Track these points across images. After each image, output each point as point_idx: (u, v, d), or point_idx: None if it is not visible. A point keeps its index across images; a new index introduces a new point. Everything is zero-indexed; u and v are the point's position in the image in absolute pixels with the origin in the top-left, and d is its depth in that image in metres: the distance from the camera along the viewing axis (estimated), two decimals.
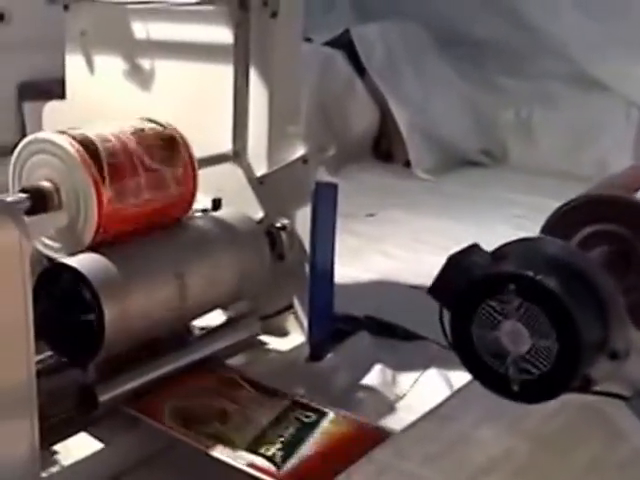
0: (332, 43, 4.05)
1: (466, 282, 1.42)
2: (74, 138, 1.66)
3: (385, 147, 4.18)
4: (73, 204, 1.66)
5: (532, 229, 3.26)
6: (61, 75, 2.80)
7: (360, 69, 4.15)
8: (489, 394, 1.53)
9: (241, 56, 1.98)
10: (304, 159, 1.98)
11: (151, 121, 1.81)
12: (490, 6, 4.40)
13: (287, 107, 2.06)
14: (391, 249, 2.93)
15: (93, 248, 1.67)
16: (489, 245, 3.06)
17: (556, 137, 4.20)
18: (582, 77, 4.25)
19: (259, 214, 2.04)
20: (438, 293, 1.51)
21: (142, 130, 1.76)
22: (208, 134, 1.96)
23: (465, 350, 1.42)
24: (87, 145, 1.66)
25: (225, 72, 2.00)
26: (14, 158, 1.71)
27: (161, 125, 1.81)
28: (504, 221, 3.32)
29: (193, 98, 2.06)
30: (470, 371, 1.43)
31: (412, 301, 2.38)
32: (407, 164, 4.09)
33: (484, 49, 4.44)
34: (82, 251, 1.67)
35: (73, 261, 1.62)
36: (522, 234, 3.17)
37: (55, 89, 3.29)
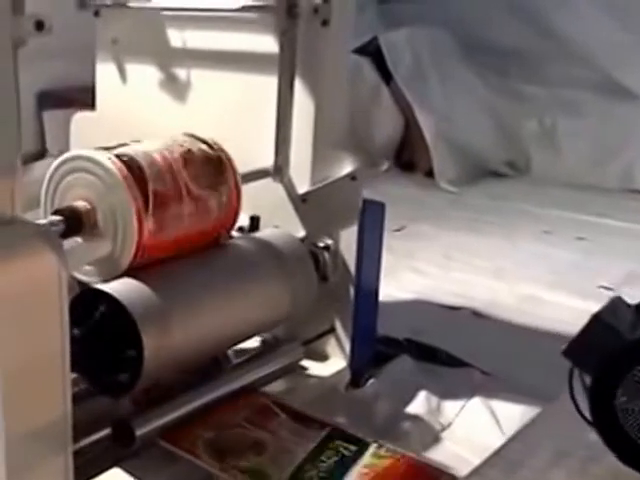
0: (359, 50, 3.91)
1: (615, 345, 1.24)
2: (118, 157, 1.52)
3: (407, 156, 4.04)
4: (110, 227, 1.53)
5: (562, 246, 3.18)
6: (82, 83, 2.69)
7: (386, 77, 4.00)
8: (553, 436, 1.40)
9: (286, 66, 1.85)
10: (352, 176, 1.85)
11: (197, 138, 1.69)
12: (515, 13, 4.27)
13: (333, 120, 1.94)
14: (422, 266, 2.84)
15: (130, 272, 1.55)
16: (520, 263, 3.01)
17: (581, 147, 4.09)
18: (608, 84, 4.13)
19: (300, 233, 1.92)
20: (577, 355, 1.32)
21: (189, 152, 1.62)
22: (248, 148, 1.83)
23: (607, 422, 1.26)
24: (131, 166, 1.53)
25: (268, 83, 1.88)
26: (48, 175, 1.58)
27: (208, 145, 1.69)
28: (533, 237, 3.24)
29: (233, 110, 1.95)
30: (610, 446, 1.28)
31: (450, 323, 2.40)
32: (429, 174, 3.94)
33: (508, 56, 4.32)
34: (118, 276, 1.54)
35: (110, 288, 1.49)
36: (552, 251, 3.09)
37: (76, 97, 3.18)
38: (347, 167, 1.88)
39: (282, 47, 1.84)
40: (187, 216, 1.61)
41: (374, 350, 2.00)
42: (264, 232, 1.83)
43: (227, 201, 1.68)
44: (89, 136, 2.05)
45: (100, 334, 1.48)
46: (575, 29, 4.17)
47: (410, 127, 4.00)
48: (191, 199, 1.60)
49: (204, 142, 1.67)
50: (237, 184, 1.70)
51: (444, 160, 3.91)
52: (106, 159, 1.51)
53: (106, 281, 1.51)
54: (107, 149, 1.55)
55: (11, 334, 1.19)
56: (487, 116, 4.18)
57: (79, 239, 1.54)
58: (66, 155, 1.56)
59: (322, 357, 1.96)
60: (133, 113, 2.05)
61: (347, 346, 1.93)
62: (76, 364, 1.34)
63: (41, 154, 3.35)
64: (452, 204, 3.68)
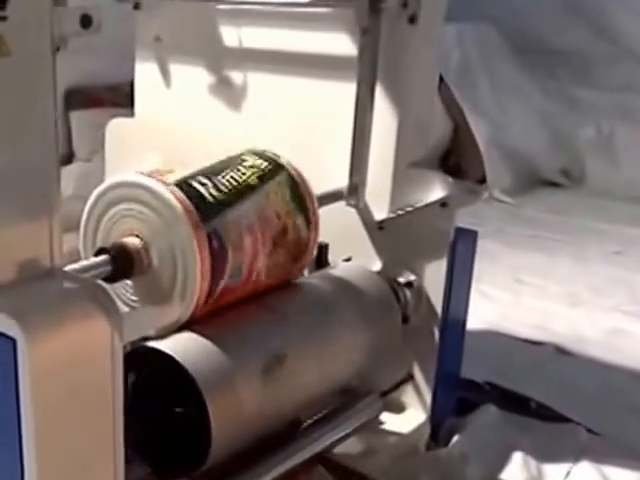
0: None
1: None
2: (178, 186, 1.24)
3: (455, 161, 3.73)
4: (167, 270, 1.26)
5: (635, 269, 2.88)
6: (113, 81, 2.35)
7: None
8: None
9: (367, 71, 1.57)
10: (443, 202, 1.57)
11: (269, 160, 1.43)
12: (570, 10, 3.96)
13: (419, 135, 1.66)
14: (490, 290, 2.58)
15: (190, 325, 1.28)
16: (596, 289, 2.73)
17: None
18: None
19: (375, 266, 1.66)
20: None
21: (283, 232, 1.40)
22: (317, 167, 1.53)
23: None
24: (193, 197, 1.26)
25: (344, 90, 1.60)
26: (89, 205, 1.30)
27: (287, 173, 1.43)
28: (603, 258, 3.00)
29: (299, 121, 1.67)
30: None
31: (532, 361, 2.16)
32: (481, 181, 3.63)
33: (561, 57, 4.07)
34: (177, 329, 1.27)
35: (168, 346, 1.22)
36: (628, 275, 2.79)
37: (106, 97, 2.89)
38: (435, 191, 1.60)
39: (362, 48, 1.55)
40: (261, 266, 1.37)
41: (456, 398, 1.78)
42: (339, 267, 1.59)
43: (305, 242, 1.45)
44: (127, 145, 1.83)
45: (156, 404, 1.23)
46: (636, 29, 3.84)
47: (459, 131, 3.68)
48: (264, 249, 1.37)
49: (279, 165, 1.43)
50: (316, 219, 1.46)
51: (497, 168, 3.64)
52: (164, 189, 1.23)
53: (162, 335, 1.24)
54: (162, 174, 1.28)
55: (52, 416, 0.95)
56: (540, 121, 3.91)
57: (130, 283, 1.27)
58: (112, 181, 1.29)
59: (398, 408, 1.72)
60: (178, 121, 1.80)
61: (428, 396, 1.69)
62: (130, 442, 1.08)
63: (68, 158, 3.05)
64: (510, 217, 3.40)
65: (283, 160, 1.42)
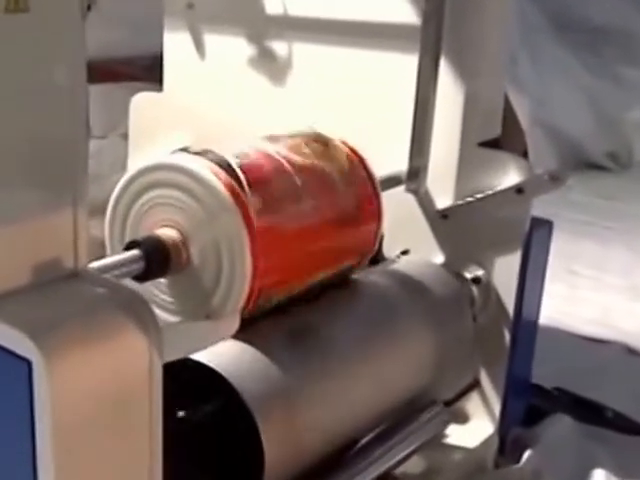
0: None
1: None
2: (222, 168, 1.07)
3: None
4: (210, 267, 1.08)
5: None
6: (130, 54, 2.44)
7: None
8: None
9: (430, 40, 1.38)
10: (519, 188, 1.38)
11: (320, 140, 1.26)
12: None
13: (488, 112, 1.48)
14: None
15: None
16: None
17: None
18: None
19: (436, 259, 1.48)
20: None
21: (329, 176, 1.20)
22: (373, 148, 1.35)
23: None
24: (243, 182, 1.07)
25: (404, 62, 1.42)
26: (117, 191, 1.13)
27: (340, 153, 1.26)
28: None
29: (351, 98, 1.48)
30: None
31: (600, 363, 1.99)
32: None
33: (605, 35, 3.85)
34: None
35: (212, 360, 1.03)
36: None
37: (122, 71, 2.69)
38: (509, 175, 1.42)
39: (426, 15, 1.37)
40: (317, 253, 1.19)
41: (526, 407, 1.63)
42: (400, 261, 1.42)
43: (364, 229, 1.27)
44: (154, 122, 1.66)
45: (197, 426, 1.05)
46: None
47: None
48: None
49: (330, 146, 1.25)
50: (380, 210, 1.28)
51: (540, 147, 3.42)
52: (207, 172, 1.04)
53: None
54: (202, 154, 1.10)
55: (75, 456, 0.77)
56: (585, 101, 3.72)
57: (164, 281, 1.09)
58: (145, 164, 1.10)
59: (462, 418, 1.55)
60: (212, 97, 1.62)
61: (496, 405, 1.53)
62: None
63: None
64: (556, 201, 3.17)
65: (333, 138, 1.27)
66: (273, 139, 1.22)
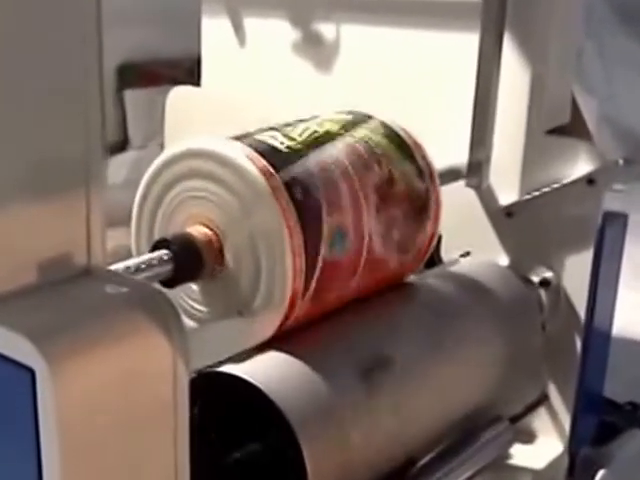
0: None
1: None
2: (262, 154, 0.99)
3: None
4: (247, 270, 1.00)
5: None
6: (172, 55, 2.42)
7: None
8: None
9: (493, 18, 1.30)
10: (590, 179, 1.32)
11: (353, 112, 1.19)
12: None
13: (557, 97, 1.40)
14: None
15: (276, 342, 1.02)
16: None
17: None
18: None
19: (501, 262, 1.40)
20: None
21: (390, 182, 1.12)
22: (429, 139, 1.26)
23: None
24: (285, 171, 0.99)
25: (463, 43, 1.34)
26: (144, 184, 1.05)
27: (379, 121, 1.17)
28: None
29: (405, 83, 1.41)
30: None
31: None
32: None
33: None
34: (259, 348, 1.00)
35: (249, 372, 0.95)
36: None
37: (164, 73, 2.65)
38: (579, 164, 1.36)
39: None
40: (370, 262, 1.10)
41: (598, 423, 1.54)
42: (461, 263, 1.35)
43: (420, 194, 1.18)
44: (190, 118, 1.60)
45: (232, 447, 0.96)
46: None
47: None
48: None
49: (409, 154, 1.16)
50: (438, 208, 1.20)
51: (608, 145, 3.33)
52: (244, 158, 0.97)
53: (239, 357, 0.96)
54: (241, 139, 1.02)
55: (91, 467, 0.70)
56: None
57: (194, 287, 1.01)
58: (173, 151, 1.03)
59: (528, 436, 1.47)
60: (254, 89, 1.56)
61: (565, 421, 1.45)
62: None
63: (122, 145, 2.81)
64: (626, 204, 3.08)
65: (366, 112, 1.18)
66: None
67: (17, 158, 0.67)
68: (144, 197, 1.03)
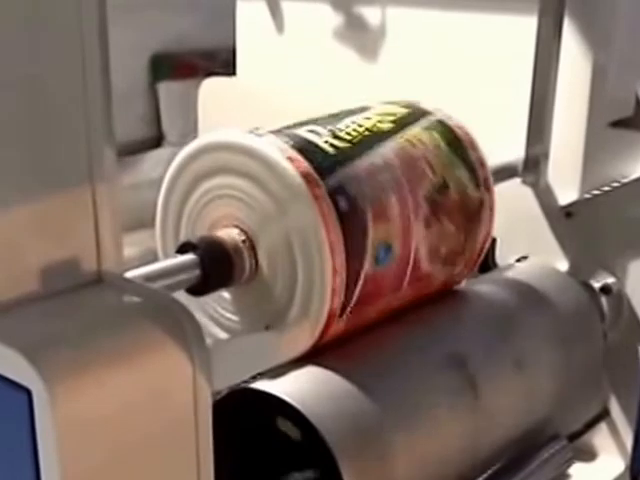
0: None
1: None
2: (300, 151, 0.92)
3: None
4: (281, 275, 0.93)
5: None
6: (209, 45, 2.36)
7: None
8: None
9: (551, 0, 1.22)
10: None
11: (407, 105, 1.11)
12: None
13: (622, 85, 1.33)
14: None
15: (314, 356, 0.95)
16: None
17: None
18: None
19: (559, 266, 1.34)
20: None
21: (444, 191, 1.04)
22: (482, 132, 1.19)
23: None
24: (324, 171, 0.93)
25: (519, 27, 1.28)
26: (168, 180, 0.99)
27: (434, 117, 1.09)
28: None
29: (455, 72, 1.35)
30: None
31: None
32: None
33: None
34: (296, 362, 0.93)
35: (283, 389, 0.88)
36: None
37: (201, 65, 2.60)
38: None
39: None
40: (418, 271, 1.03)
41: None
42: (518, 269, 1.28)
43: (474, 203, 1.11)
44: (224, 110, 1.57)
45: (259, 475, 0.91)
46: None
47: None
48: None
49: (465, 158, 1.08)
50: (492, 207, 1.13)
51: None
52: (281, 157, 0.90)
53: (272, 373, 0.91)
54: (279, 133, 0.96)
55: None
56: None
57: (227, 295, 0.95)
58: (198, 143, 0.96)
59: (587, 454, 1.42)
60: (292, 78, 1.52)
61: (628, 438, 1.38)
62: None
63: (156, 141, 2.75)
64: None
65: (422, 105, 1.10)
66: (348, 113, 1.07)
67: (14, 156, 0.61)
68: (168, 195, 0.97)
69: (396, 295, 1.00)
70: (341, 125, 0.97)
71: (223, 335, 0.99)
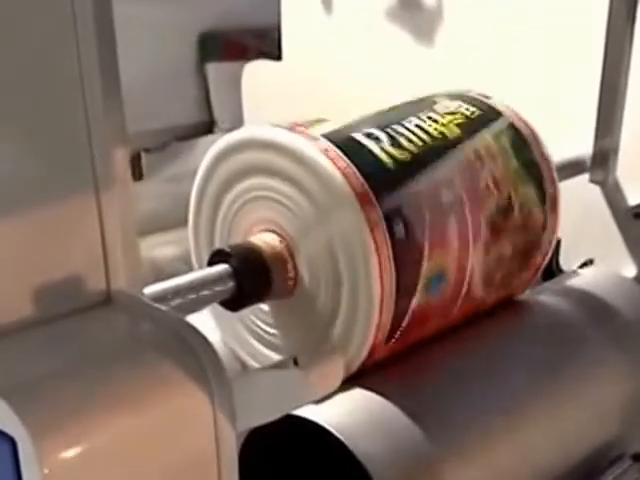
0: None
1: None
2: (344, 152, 0.82)
3: None
4: (325, 288, 0.84)
5: None
6: (261, 24, 2.24)
7: None
8: None
9: None
10: None
11: (477, 102, 0.99)
12: None
13: None
14: None
15: (358, 375, 0.86)
16: None
17: None
18: None
19: (627, 272, 1.24)
20: None
21: (506, 213, 0.94)
22: (545, 124, 1.07)
23: None
24: (371, 174, 0.82)
25: (588, 9, 1.18)
26: (200, 178, 0.90)
27: (508, 121, 0.98)
28: None
29: (516, 56, 1.27)
30: None
31: None
32: None
33: None
34: (345, 385, 0.83)
35: (325, 418, 0.79)
36: None
37: (252, 45, 2.52)
38: None
39: None
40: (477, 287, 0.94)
41: None
42: (583, 276, 1.17)
43: (537, 227, 1.01)
44: (270, 96, 1.51)
45: None
46: None
47: None
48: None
49: (535, 172, 0.97)
50: (556, 202, 1.01)
51: None
52: (331, 166, 0.81)
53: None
54: (308, 126, 0.86)
55: None
56: None
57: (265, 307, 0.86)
58: (231, 138, 0.88)
59: None
60: (342, 62, 1.44)
61: None
62: None
63: (208, 126, 2.67)
64: None
65: (498, 103, 0.99)
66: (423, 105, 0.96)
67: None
68: (200, 197, 0.88)
69: (445, 319, 0.91)
70: (402, 129, 0.87)
71: (263, 349, 0.90)
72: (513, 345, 1.02)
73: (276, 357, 0.90)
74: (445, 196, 0.86)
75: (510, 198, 0.93)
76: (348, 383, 0.86)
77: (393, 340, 0.84)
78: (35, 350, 0.54)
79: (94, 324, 0.57)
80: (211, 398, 0.55)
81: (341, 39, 1.45)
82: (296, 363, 0.76)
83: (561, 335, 1.06)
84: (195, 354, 0.56)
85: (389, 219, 0.80)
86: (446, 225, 0.85)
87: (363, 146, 0.83)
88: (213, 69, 2.65)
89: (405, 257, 0.81)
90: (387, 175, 0.83)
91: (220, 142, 0.88)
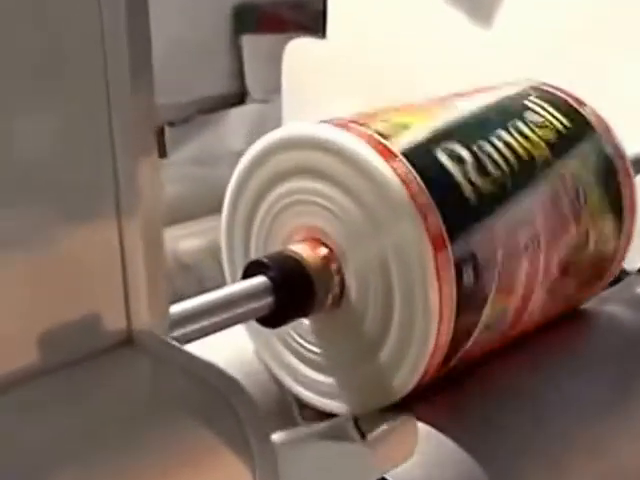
0: None
1: None
2: (407, 157, 0.72)
3: None
4: (375, 304, 0.75)
5: None
6: None
7: None
8: None
9: None
10: None
11: (564, 106, 0.87)
12: None
13: None
14: None
15: (415, 404, 0.76)
16: None
17: None
18: None
19: None
20: None
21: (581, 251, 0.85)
22: (616, 115, 0.95)
23: None
24: (437, 181, 0.73)
25: None
26: (233, 186, 0.81)
27: (597, 137, 0.87)
28: None
29: (584, 41, 1.17)
30: None
31: None
32: None
33: None
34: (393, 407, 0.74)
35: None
36: None
37: (289, 17, 2.46)
38: None
39: None
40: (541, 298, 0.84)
41: None
42: None
43: (608, 258, 0.92)
44: (312, 77, 1.44)
45: None
46: None
47: None
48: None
49: (616, 203, 0.87)
50: (631, 229, 0.90)
51: None
52: (377, 159, 0.71)
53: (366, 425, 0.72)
54: (364, 124, 0.76)
55: None
56: None
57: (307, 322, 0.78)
58: (276, 135, 0.78)
59: None
60: (390, 43, 1.34)
61: None
62: None
63: (240, 97, 2.60)
64: None
65: (590, 113, 0.88)
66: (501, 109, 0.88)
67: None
68: (235, 200, 0.79)
69: (501, 343, 0.83)
70: (490, 147, 0.77)
71: (302, 368, 0.81)
72: (573, 362, 0.93)
73: (317, 377, 0.81)
74: (522, 236, 0.76)
75: (587, 234, 0.84)
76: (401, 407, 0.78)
77: (453, 361, 0.75)
78: (39, 409, 0.45)
79: (111, 371, 0.48)
80: (252, 469, 0.46)
81: (392, 19, 1.36)
82: (357, 424, 0.67)
83: (628, 351, 0.98)
84: (235, 415, 0.47)
85: (459, 263, 0.71)
86: (517, 269, 0.76)
87: (444, 169, 0.74)
88: (248, 41, 2.59)
89: (468, 302, 0.73)
90: (466, 212, 0.73)
91: (259, 142, 0.78)
